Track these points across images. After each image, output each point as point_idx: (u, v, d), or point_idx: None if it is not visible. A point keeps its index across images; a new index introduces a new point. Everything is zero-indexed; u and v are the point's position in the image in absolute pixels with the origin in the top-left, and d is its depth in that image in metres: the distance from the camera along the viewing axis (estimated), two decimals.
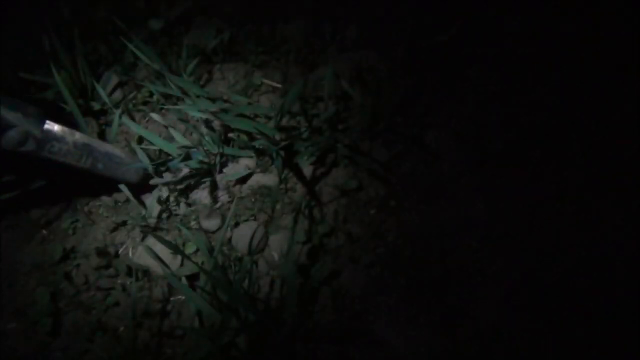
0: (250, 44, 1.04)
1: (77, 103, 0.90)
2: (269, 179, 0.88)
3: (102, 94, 0.92)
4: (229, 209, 0.86)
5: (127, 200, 0.86)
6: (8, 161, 0.73)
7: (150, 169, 0.83)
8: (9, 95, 0.73)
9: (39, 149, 0.73)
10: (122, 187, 0.84)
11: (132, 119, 0.94)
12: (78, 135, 0.76)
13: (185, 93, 0.92)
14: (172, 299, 0.79)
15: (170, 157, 0.88)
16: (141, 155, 0.82)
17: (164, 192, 0.86)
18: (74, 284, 0.79)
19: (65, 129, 0.75)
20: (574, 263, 0.80)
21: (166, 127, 0.92)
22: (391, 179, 0.89)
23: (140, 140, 0.92)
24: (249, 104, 0.94)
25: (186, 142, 0.89)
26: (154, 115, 0.92)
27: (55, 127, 0.74)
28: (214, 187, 0.88)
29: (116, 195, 0.87)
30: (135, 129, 0.89)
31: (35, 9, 1.07)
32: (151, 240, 0.81)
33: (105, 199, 0.86)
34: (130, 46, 0.93)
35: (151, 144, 0.90)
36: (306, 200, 0.86)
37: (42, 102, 0.92)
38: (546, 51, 1.01)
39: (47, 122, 0.73)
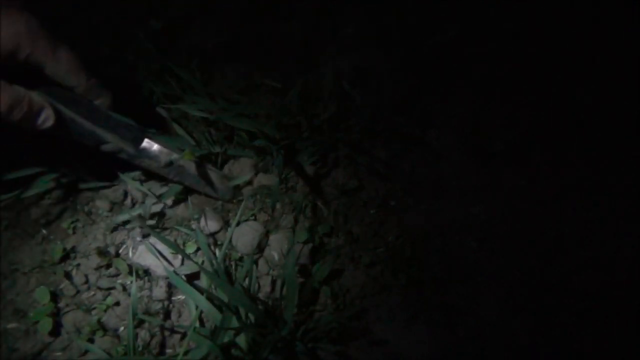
0: (251, 44, 1.04)
1: None
2: (269, 178, 0.88)
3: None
4: (229, 208, 0.86)
5: (128, 200, 0.86)
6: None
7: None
8: (113, 113, 0.79)
9: (131, 159, 0.79)
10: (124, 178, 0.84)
11: None
12: (174, 157, 0.80)
13: (185, 92, 0.92)
14: (172, 298, 0.79)
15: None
16: (225, 183, 0.85)
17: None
18: (74, 284, 0.78)
19: (164, 150, 0.79)
20: (574, 263, 0.80)
21: (169, 124, 0.93)
22: (391, 178, 0.89)
23: None
24: (249, 103, 0.94)
25: (188, 140, 0.90)
26: (160, 110, 0.93)
27: (154, 147, 0.79)
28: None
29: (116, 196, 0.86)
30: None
31: (35, 9, 1.07)
32: (152, 240, 0.81)
33: (105, 199, 0.86)
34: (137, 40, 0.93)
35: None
36: (307, 200, 0.86)
37: None
38: (547, 51, 1.01)
39: (146, 141, 0.79)
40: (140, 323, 0.75)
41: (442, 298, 0.78)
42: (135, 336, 0.73)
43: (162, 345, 0.75)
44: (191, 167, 0.82)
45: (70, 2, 1.08)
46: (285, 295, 0.72)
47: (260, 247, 0.82)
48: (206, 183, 0.83)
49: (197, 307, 0.74)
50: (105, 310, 0.77)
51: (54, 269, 0.79)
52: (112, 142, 0.77)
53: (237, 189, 0.87)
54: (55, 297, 0.77)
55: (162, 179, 0.85)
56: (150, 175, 0.85)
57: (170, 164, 0.80)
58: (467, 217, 0.85)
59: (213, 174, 0.84)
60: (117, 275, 0.80)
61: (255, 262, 0.81)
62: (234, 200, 0.87)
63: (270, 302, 0.77)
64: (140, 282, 0.79)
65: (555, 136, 0.92)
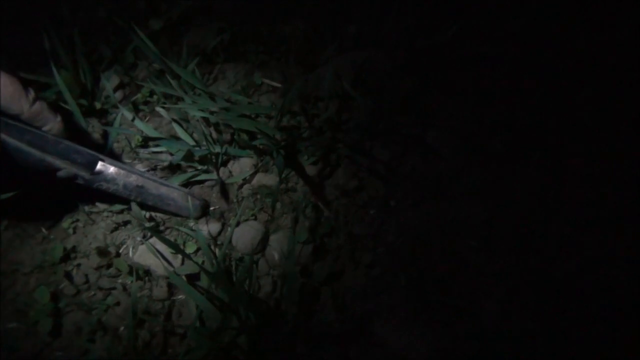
0: (251, 44, 1.04)
1: (77, 103, 0.90)
2: (269, 178, 0.88)
3: (108, 87, 0.93)
4: (229, 208, 0.86)
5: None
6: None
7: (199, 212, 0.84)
8: (64, 139, 0.77)
9: (89, 184, 0.78)
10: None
11: (133, 119, 0.94)
12: (133, 177, 0.78)
13: (185, 92, 0.92)
14: (173, 298, 0.79)
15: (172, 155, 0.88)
16: (192, 201, 0.83)
17: None
18: (75, 284, 0.79)
19: (121, 171, 0.77)
20: (574, 263, 0.80)
21: (169, 124, 0.93)
22: (392, 178, 0.89)
23: (144, 141, 0.92)
24: (250, 103, 0.94)
25: (189, 141, 0.90)
26: (160, 110, 0.93)
27: (110, 170, 0.77)
28: (214, 187, 0.88)
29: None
30: (143, 127, 0.90)
31: (35, 9, 1.07)
32: (152, 240, 0.81)
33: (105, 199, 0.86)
34: (136, 40, 0.93)
35: (155, 143, 0.90)
36: (307, 200, 0.86)
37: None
38: (547, 51, 1.01)
39: (101, 164, 0.77)
40: (140, 323, 0.75)
41: (442, 298, 0.78)
42: (136, 336, 0.73)
43: (163, 345, 0.75)
44: (152, 187, 0.80)
45: (70, 2, 1.08)
46: (286, 295, 0.72)
47: (261, 247, 0.82)
48: (169, 202, 0.81)
49: (197, 307, 0.74)
50: (105, 310, 0.77)
51: (54, 269, 0.79)
52: (64, 168, 0.75)
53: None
54: (55, 297, 0.77)
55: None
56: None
57: (128, 186, 0.78)
58: (467, 217, 0.85)
59: (176, 193, 0.81)
60: (117, 275, 0.80)
61: (256, 262, 0.81)
62: (229, 198, 0.87)
63: (270, 302, 0.77)
64: (141, 282, 0.79)
65: (555, 136, 0.92)
